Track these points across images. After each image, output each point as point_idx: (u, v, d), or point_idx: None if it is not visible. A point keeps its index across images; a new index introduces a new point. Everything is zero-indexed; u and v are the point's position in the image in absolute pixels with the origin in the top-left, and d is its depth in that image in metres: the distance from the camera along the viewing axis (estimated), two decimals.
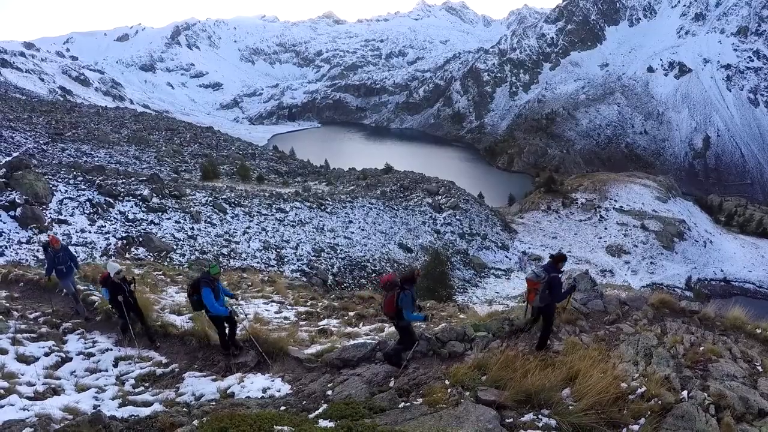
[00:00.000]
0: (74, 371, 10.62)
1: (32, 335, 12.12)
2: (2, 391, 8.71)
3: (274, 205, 49.65)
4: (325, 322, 16.52)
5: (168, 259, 31.76)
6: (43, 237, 28.31)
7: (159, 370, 11.00)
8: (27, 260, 25.18)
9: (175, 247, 34.19)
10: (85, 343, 12.35)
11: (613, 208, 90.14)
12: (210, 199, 44.60)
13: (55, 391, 9.34)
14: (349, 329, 15.41)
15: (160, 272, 23.23)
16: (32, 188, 31.16)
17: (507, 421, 6.80)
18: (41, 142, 61.59)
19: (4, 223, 27.84)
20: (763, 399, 7.98)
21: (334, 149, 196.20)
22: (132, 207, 36.62)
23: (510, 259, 65.80)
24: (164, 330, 12.89)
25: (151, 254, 31.35)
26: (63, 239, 28.86)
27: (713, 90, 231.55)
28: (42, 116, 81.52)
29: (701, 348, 10.01)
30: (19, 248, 26.41)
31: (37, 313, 14.03)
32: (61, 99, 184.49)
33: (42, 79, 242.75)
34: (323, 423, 6.70)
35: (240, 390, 9.66)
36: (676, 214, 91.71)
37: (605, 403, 7.29)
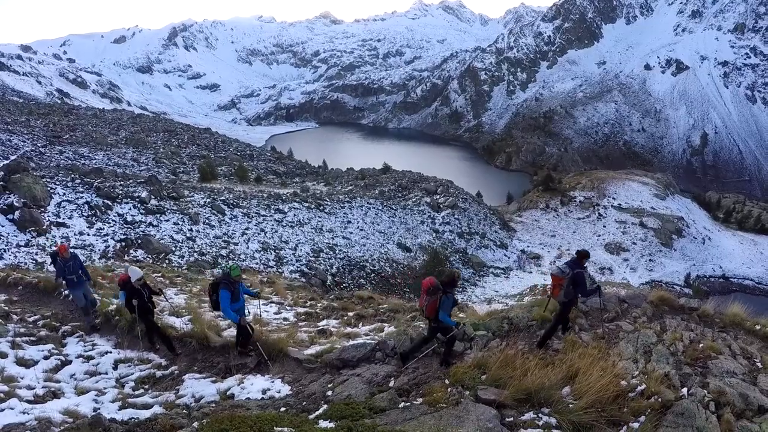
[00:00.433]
0: (74, 374, 10.62)
1: (31, 338, 12.12)
2: (2, 394, 8.71)
3: (272, 206, 49.64)
4: (324, 322, 16.51)
5: (167, 261, 31.75)
6: (47, 241, 28.34)
7: (159, 372, 11.00)
8: (26, 263, 25.15)
9: (173, 248, 34.17)
10: (85, 345, 12.34)
11: (612, 205, 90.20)
12: (208, 200, 44.57)
13: (55, 395, 9.34)
14: (348, 329, 15.40)
15: (159, 274, 23.21)
16: (30, 191, 31.12)
17: (507, 420, 6.81)
18: (39, 144, 61.54)
19: (3, 226, 27.80)
20: (762, 395, 7.98)
21: (332, 149, 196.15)
22: (130, 209, 36.59)
23: (509, 258, 65.83)
24: (163, 332, 12.88)
25: (149, 256, 31.34)
26: (61, 242, 28.86)
27: (710, 87, 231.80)
28: (39, 119, 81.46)
29: (701, 345, 10.01)
30: (17, 251, 26.38)
31: (36, 317, 14.01)
32: (59, 101, 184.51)
33: (39, 82, 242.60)
34: (323, 424, 6.70)
35: (240, 391, 9.66)
36: (675, 212, 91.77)
37: (605, 401, 7.29)
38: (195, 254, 34.60)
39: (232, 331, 13.26)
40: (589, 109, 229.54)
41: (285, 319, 16.72)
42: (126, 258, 29.53)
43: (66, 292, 14.91)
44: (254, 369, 10.99)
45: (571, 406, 7.09)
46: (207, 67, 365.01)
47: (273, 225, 45.58)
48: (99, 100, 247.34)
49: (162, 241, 34.11)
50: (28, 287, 16.70)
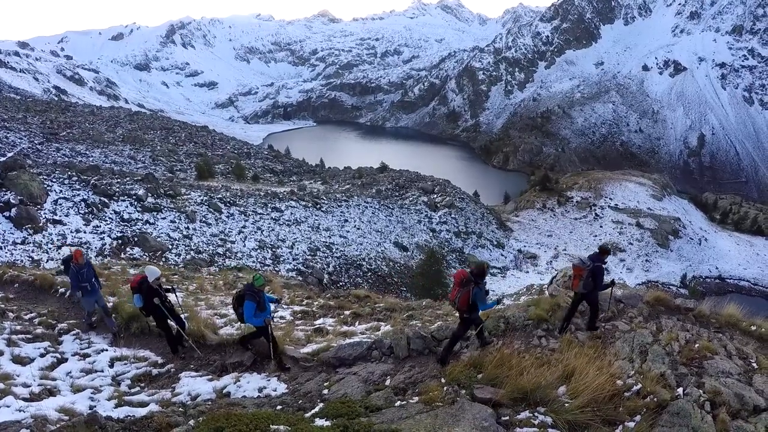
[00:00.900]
0: (70, 372, 10.59)
1: (27, 336, 12.08)
2: None
3: (269, 205, 49.62)
4: (320, 321, 16.51)
5: (163, 259, 31.73)
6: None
7: (155, 371, 10.98)
8: (22, 261, 25.12)
9: (170, 246, 34.14)
10: (81, 343, 12.31)
11: (609, 206, 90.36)
12: (205, 198, 44.54)
13: (51, 392, 9.32)
14: (344, 328, 15.40)
15: None
16: (27, 188, 31.07)
17: (503, 418, 6.81)
18: (36, 142, 61.45)
19: None
20: (758, 395, 8.01)
21: (329, 148, 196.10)
22: (127, 207, 36.55)
23: (505, 258, 65.92)
24: (159, 330, 12.86)
25: (146, 254, 31.31)
26: (57, 239, 28.81)
27: (708, 88, 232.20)
28: (36, 116, 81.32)
29: (696, 345, 10.03)
30: (14, 249, 26.34)
31: (32, 314, 13.97)
32: (56, 99, 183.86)
33: (36, 79, 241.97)
34: (319, 422, 6.70)
35: (236, 389, 9.65)
36: (671, 212, 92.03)
37: (601, 400, 7.30)
38: (192, 252, 34.57)
39: (229, 330, 13.26)
40: (587, 110, 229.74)
41: (281, 317, 16.71)
42: (122, 256, 29.50)
43: (76, 297, 13.90)
44: (250, 367, 10.99)
45: (566, 405, 7.10)
46: (205, 64, 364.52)
47: (270, 223, 45.55)
48: (96, 98, 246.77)
49: (159, 239, 34.09)
50: (24, 285, 16.66)
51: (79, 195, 34.76)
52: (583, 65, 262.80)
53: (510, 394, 7.26)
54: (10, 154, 47.70)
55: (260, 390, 9.57)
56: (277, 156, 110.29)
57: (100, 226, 32.50)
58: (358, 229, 53.98)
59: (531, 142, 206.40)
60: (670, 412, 7.35)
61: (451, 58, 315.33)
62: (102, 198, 35.54)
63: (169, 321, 11.71)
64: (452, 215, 68.06)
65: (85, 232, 31.00)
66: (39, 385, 9.48)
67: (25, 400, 8.54)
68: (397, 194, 72.19)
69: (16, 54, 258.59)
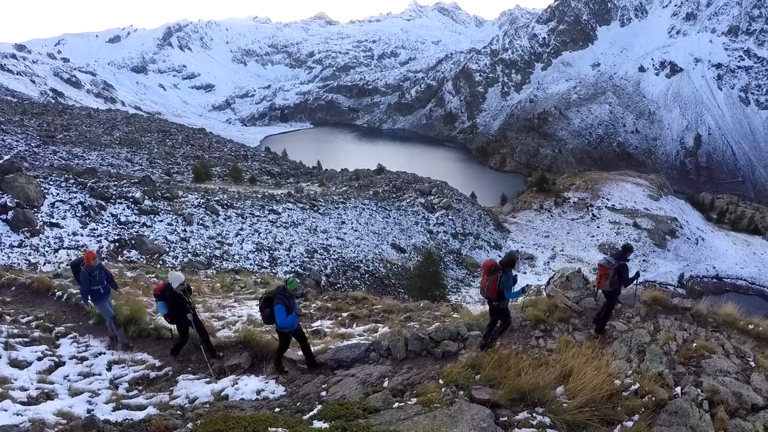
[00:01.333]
0: (67, 375, 10.57)
1: (25, 339, 12.06)
2: None
3: (266, 207, 49.60)
4: (318, 323, 16.48)
5: (161, 262, 31.70)
6: (41, 241, 28.18)
7: (152, 373, 10.97)
8: (19, 264, 25.07)
9: (167, 249, 34.11)
10: (78, 347, 12.29)
11: (606, 206, 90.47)
12: (202, 200, 44.51)
13: (49, 396, 9.30)
14: (342, 330, 15.38)
15: (153, 275, 23.14)
16: (24, 191, 31.03)
17: (501, 419, 6.81)
18: (33, 144, 61.36)
19: None
20: (756, 394, 8.03)
21: (326, 150, 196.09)
22: (124, 209, 36.52)
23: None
24: (157, 333, 12.85)
25: (143, 257, 31.29)
26: (54, 243, 28.77)
27: (704, 89, 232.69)
28: (33, 119, 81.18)
29: (694, 344, 10.05)
30: (11, 252, 26.30)
31: (29, 317, 13.95)
32: (53, 101, 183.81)
33: (33, 81, 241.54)
34: (318, 424, 6.69)
35: (234, 392, 9.63)
36: (668, 212, 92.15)
37: (599, 400, 7.30)
38: (189, 255, 34.54)
39: (226, 332, 13.24)
40: (584, 111, 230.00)
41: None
42: (120, 259, 29.46)
43: (89, 305, 13.11)
44: (248, 370, 10.98)
45: (565, 405, 7.10)
46: (202, 67, 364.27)
47: (267, 226, 45.54)
48: (93, 100, 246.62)
49: (156, 242, 34.06)
50: (21, 288, 16.63)
51: (76, 198, 34.72)
52: (579, 67, 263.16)
53: (508, 395, 7.25)
54: (6, 157, 47.63)
55: (258, 392, 9.55)
56: (274, 158, 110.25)
57: (97, 228, 32.46)
58: (356, 231, 53.98)
59: (528, 144, 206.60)
60: (668, 411, 7.36)
61: (447, 60, 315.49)
62: (99, 201, 35.50)
63: (191, 329, 11.46)
64: (449, 217, 68.08)
65: (82, 235, 30.96)
66: (37, 388, 9.46)
67: (22, 403, 8.52)
68: (394, 196, 72.19)
69: (13, 56, 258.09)
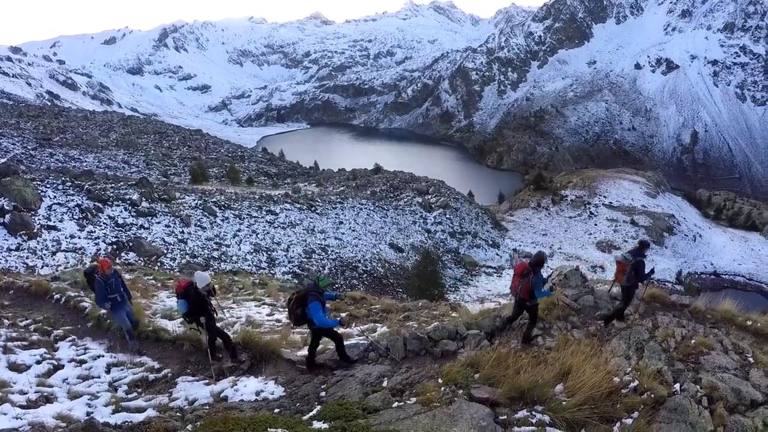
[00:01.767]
0: (66, 378, 10.55)
1: (23, 343, 12.03)
2: None
3: (264, 208, 49.58)
4: None
5: (158, 264, 31.67)
6: (38, 244, 28.12)
7: (152, 376, 10.95)
8: (17, 267, 25.04)
9: (165, 251, 34.09)
10: (77, 349, 12.27)
11: (603, 204, 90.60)
12: (200, 202, 44.47)
13: (48, 399, 9.28)
14: (341, 330, 15.38)
15: (151, 277, 23.13)
16: (21, 194, 30.99)
17: (501, 418, 6.81)
18: (29, 147, 61.26)
19: None
20: (755, 390, 8.04)
21: (323, 150, 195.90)
22: (121, 211, 36.48)
23: (501, 257, 65.97)
24: (156, 335, 12.82)
25: (141, 259, 31.26)
26: (52, 245, 28.73)
27: (700, 86, 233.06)
28: (29, 121, 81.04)
29: (692, 341, 10.07)
30: (8, 255, 26.26)
31: (27, 321, 13.92)
32: (49, 103, 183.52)
33: (29, 84, 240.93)
34: (317, 424, 6.69)
35: (233, 393, 9.62)
36: (666, 209, 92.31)
37: (598, 397, 7.31)
38: (187, 256, 34.53)
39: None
40: (580, 109, 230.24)
41: (278, 320, 16.68)
42: (117, 261, 29.42)
43: (105, 312, 12.79)
44: (247, 371, 10.97)
45: (564, 403, 7.11)
46: (198, 68, 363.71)
47: (265, 226, 45.52)
48: (89, 102, 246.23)
49: (153, 244, 34.03)
50: (19, 291, 16.60)
51: (73, 200, 34.68)
52: (575, 64, 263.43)
53: (507, 394, 7.26)
54: (3, 160, 47.56)
55: (258, 393, 9.55)
56: (271, 159, 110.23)
57: (95, 231, 32.43)
58: (353, 230, 53.97)
59: (525, 142, 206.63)
60: (667, 408, 7.37)
61: (443, 59, 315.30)
62: (96, 203, 35.46)
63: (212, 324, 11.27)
64: (447, 216, 68.10)
65: (79, 238, 30.93)
66: (36, 392, 9.45)
67: (22, 407, 8.50)
68: (391, 195, 72.20)
69: (9, 59, 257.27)
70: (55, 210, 32.77)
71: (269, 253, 40.78)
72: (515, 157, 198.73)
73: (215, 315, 11.43)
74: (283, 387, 9.85)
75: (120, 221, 35.14)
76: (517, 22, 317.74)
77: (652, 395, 7.69)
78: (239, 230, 42.68)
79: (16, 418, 7.81)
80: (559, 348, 9.73)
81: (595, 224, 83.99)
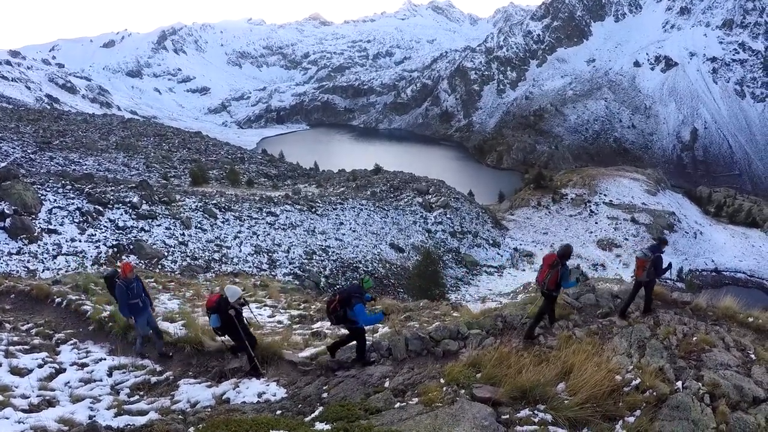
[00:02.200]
0: (68, 382, 10.55)
1: (25, 347, 12.03)
2: None
3: (264, 209, 49.58)
4: (318, 324, 16.48)
5: (159, 266, 31.66)
6: (39, 248, 28.11)
7: (153, 378, 10.95)
8: (18, 271, 25.04)
9: (166, 253, 34.08)
10: (79, 353, 12.27)
11: (603, 202, 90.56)
12: (200, 204, 44.47)
13: (50, 403, 9.28)
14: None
15: (152, 279, 23.13)
16: (21, 198, 30.98)
17: (503, 417, 6.81)
18: (29, 151, 61.32)
19: None
20: (757, 387, 8.04)
21: (323, 151, 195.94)
22: (122, 214, 36.48)
23: (502, 256, 65.97)
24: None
25: (142, 261, 31.25)
26: (53, 249, 28.73)
27: (699, 83, 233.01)
28: (29, 125, 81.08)
29: (694, 338, 10.06)
30: (9, 259, 26.26)
31: (29, 325, 13.92)
32: (48, 107, 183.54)
33: (28, 87, 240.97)
34: (319, 426, 6.69)
35: (235, 395, 9.62)
36: (666, 207, 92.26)
37: (600, 396, 7.31)
38: (188, 259, 34.51)
39: (226, 336, 13.21)
40: (579, 107, 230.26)
41: (279, 322, 16.69)
42: (118, 264, 29.39)
43: (129, 319, 12.16)
44: (249, 372, 10.97)
45: (566, 402, 7.11)
46: (197, 70, 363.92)
47: (265, 228, 45.52)
48: (89, 105, 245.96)
49: (154, 246, 34.02)
50: (20, 295, 16.59)
51: (73, 204, 34.68)
52: (574, 63, 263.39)
53: (509, 393, 7.26)
54: (3, 164, 47.56)
55: (259, 395, 9.55)
56: (271, 160, 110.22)
57: (95, 234, 32.43)
58: (354, 231, 53.97)
59: (524, 141, 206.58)
60: (669, 405, 7.37)
61: (442, 59, 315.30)
62: (96, 206, 35.46)
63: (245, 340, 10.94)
64: (447, 215, 68.09)
65: (80, 241, 30.93)
66: (38, 396, 9.45)
67: (24, 411, 8.51)
68: (392, 196, 72.21)
69: (8, 63, 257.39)
70: (55, 213, 32.78)
71: (270, 254, 40.77)
72: (515, 156, 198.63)
73: (248, 328, 11.22)
74: (285, 388, 9.85)
75: (120, 224, 35.14)
76: (516, 21, 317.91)
77: (654, 393, 7.69)
78: (240, 232, 42.68)
79: (19, 423, 7.81)
80: (561, 347, 9.74)
81: (596, 222, 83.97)
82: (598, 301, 12.91)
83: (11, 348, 11.67)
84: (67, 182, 38.94)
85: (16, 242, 27.92)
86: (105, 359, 11.84)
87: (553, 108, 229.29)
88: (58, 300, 15.71)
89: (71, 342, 12.90)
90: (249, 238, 42.24)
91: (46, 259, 27.68)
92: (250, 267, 37.28)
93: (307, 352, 11.71)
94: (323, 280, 40.60)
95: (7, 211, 29.21)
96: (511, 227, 79.86)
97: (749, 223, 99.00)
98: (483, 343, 11.05)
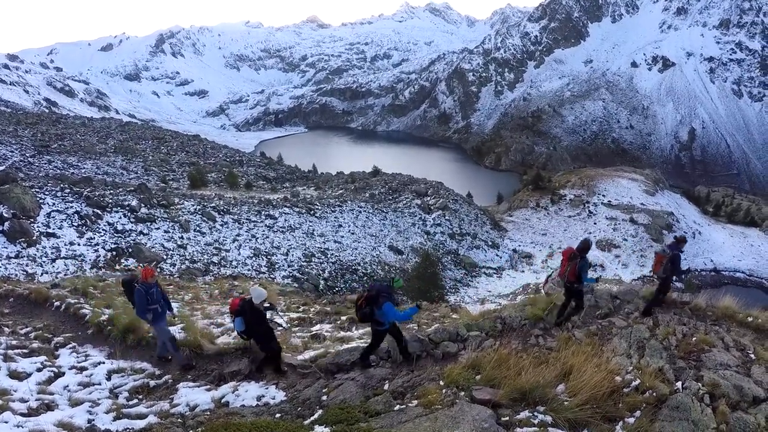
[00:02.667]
0: (67, 386, 10.53)
1: (24, 351, 12.01)
2: None
3: (263, 212, 49.53)
4: (317, 327, 16.48)
5: (158, 269, 31.60)
6: (37, 252, 28.07)
7: (152, 382, 10.93)
8: (16, 275, 24.99)
9: (165, 257, 34.04)
10: (77, 357, 12.24)
11: (602, 203, 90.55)
12: (199, 207, 44.43)
13: (49, 407, 9.26)
14: (342, 333, 15.38)
15: None
16: (19, 202, 30.94)
17: (503, 419, 6.80)
18: (27, 154, 61.22)
19: None
20: (756, 386, 8.03)
21: (321, 154, 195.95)
22: (120, 218, 36.43)
23: (500, 258, 65.96)
24: (156, 341, 12.79)
25: (140, 265, 31.16)
26: (52, 252, 28.69)
27: (697, 83, 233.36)
28: (27, 129, 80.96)
29: (693, 338, 10.06)
30: (8, 263, 26.21)
31: (28, 329, 13.90)
32: (47, 111, 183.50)
33: (27, 91, 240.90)
34: (319, 429, 6.69)
35: (234, 399, 9.61)
36: (665, 207, 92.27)
37: (600, 397, 7.31)
38: (186, 262, 34.47)
39: (225, 339, 13.21)
40: (577, 108, 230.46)
41: (278, 325, 16.67)
42: (117, 267, 29.38)
43: (150, 323, 11.86)
44: (248, 376, 10.95)
45: (566, 403, 7.10)
46: (195, 73, 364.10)
47: (264, 231, 45.48)
48: (87, 109, 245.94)
49: (153, 250, 33.98)
50: (19, 299, 16.57)
51: (72, 207, 34.64)
52: (572, 64, 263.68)
53: (509, 395, 7.26)
54: (1, 168, 47.52)
55: (259, 398, 9.54)
56: (270, 163, 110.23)
57: (94, 237, 32.38)
58: (353, 233, 53.94)
59: (522, 142, 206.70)
60: (669, 406, 7.36)
61: (440, 61, 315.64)
62: (95, 210, 35.41)
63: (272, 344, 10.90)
64: (446, 217, 68.08)
65: (79, 245, 30.89)
66: (37, 399, 9.43)
67: (23, 415, 8.49)
68: (390, 198, 72.21)
69: (6, 67, 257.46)
70: (54, 217, 32.74)
71: (269, 257, 40.73)
72: (513, 157, 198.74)
73: (274, 330, 11.10)
74: (284, 392, 9.84)
75: (119, 227, 35.09)
76: (513, 22, 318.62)
77: (654, 394, 7.69)
78: (239, 235, 42.64)
79: (18, 426, 7.79)
80: (560, 348, 9.73)
81: (594, 223, 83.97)
82: (597, 302, 12.91)
83: (10, 352, 11.65)
84: (66, 186, 38.89)
85: (15, 246, 27.88)
86: (104, 363, 11.81)
87: (551, 109, 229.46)
88: (56, 304, 15.69)
89: (70, 346, 12.88)
90: (248, 241, 42.20)
91: (44, 262, 27.64)
92: (249, 270, 37.24)
93: (306, 355, 11.71)
94: (322, 282, 40.57)
95: (5, 215, 29.16)
96: (509, 228, 79.87)
97: (748, 223, 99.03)
98: (482, 344, 11.04)
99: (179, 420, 8.42)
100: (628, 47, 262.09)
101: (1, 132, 71.49)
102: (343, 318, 17.98)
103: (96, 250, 31.02)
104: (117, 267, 29.55)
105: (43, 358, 11.73)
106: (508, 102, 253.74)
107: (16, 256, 27.12)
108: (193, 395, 9.92)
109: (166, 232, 37.63)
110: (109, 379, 11.07)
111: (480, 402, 7.10)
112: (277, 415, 8.15)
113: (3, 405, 8.76)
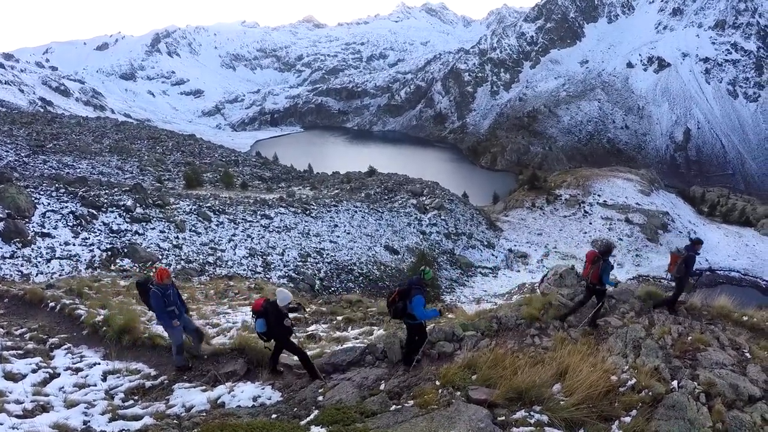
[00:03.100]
0: (62, 387, 10.49)
1: (19, 352, 11.96)
2: None
3: (258, 212, 49.49)
4: (313, 327, 16.49)
5: (154, 270, 31.53)
6: (32, 252, 27.99)
7: (148, 383, 10.90)
8: (11, 275, 24.90)
9: (160, 257, 33.97)
10: (73, 358, 12.20)
11: (597, 203, 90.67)
12: (194, 207, 44.35)
13: (44, 408, 9.22)
14: (337, 334, 15.38)
15: None
16: (14, 202, 30.83)
17: (499, 419, 6.80)
18: (22, 154, 61.04)
19: None
20: (752, 385, 8.06)
21: (317, 153, 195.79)
22: (116, 218, 36.34)
23: (496, 257, 66.03)
24: (152, 341, 12.77)
25: (136, 265, 31.11)
26: (47, 253, 28.59)
27: (692, 83, 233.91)
28: (22, 128, 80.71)
29: (689, 338, 10.09)
30: (2, 263, 26.11)
31: (23, 329, 13.84)
32: (42, 110, 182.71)
33: (22, 91, 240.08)
34: (315, 429, 6.67)
35: (230, 399, 9.59)
36: (660, 207, 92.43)
37: (596, 396, 7.32)
38: (182, 262, 34.41)
39: (221, 339, 13.20)
40: (573, 108, 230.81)
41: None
42: (112, 267, 29.31)
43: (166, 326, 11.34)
44: (244, 376, 10.93)
45: (562, 403, 7.10)
46: (191, 73, 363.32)
47: (260, 231, 45.44)
48: (82, 108, 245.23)
49: (148, 250, 33.91)
50: (14, 300, 16.48)
51: (67, 207, 34.53)
52: (568, 64, 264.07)
53: (505, 394, 7.26)
54: None
55: (255, 399, 9.53)
56: (265, 163, 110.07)
57: (89, 238, 32.29)
58: (348, 233, 53.93)
59: (518, 142, 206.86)
60: (665, 405, 7.38)
61: (436, 61, 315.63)
62: (90, 210, 35.31)
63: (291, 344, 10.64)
64: (442, 217, 68.11)
65: (74, 245, 30.79)
66: (32, 401, 9.38)
67: (18, 417, 8.45)
68: (386, 198, 72.21)
69: (1, 66, 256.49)
70: (49, 217, 32.63)
71: (264, 257, 40.70)
72: (509, 157, 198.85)
73: (294, 332, 10.94)
74: (280, 392, 9.83)
75: (114, 227, 35.00)
76: (509, 23, 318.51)
77: (650, 393, 7.70)
78: (234, 235, 42.58)
79: (13, 428, 7.76)
80: (556, 347, 9.74)
81: (590, 223, 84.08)
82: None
83: (5, 353, 11.59)
84: (61, 185, 38.77)
85: (10, 246, 27.77)
86: (99, 364, 11.78)
87: (547, 109, 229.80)
88: (51, 304, 15.62)
89: (65, 346, 12.83)
90: (243, 240, 42.16)
91: (39, 263, 27.55)
92: (244, 270, 37.20)
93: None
94: (318, 282, 40.55)
95: (0, 215, 29.07)
96: (505, 228, 79.93)
97: (743, 222, 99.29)
98: (478, 344, 11.06)
99: (175, 421, 8.40)
100: (624, 48, 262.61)
101: None
102: (339, 318, 18.00)
103: (91, 251, 30.92)
104: (112, 267, 29.48)
105: (38, 359, 11.68)
106: (504, 102, 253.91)
107: (11, 257, 27.02)
108: (188, 396, 9.90)
109: (161, 232, 37.56)
110: (104, 380, 11.03)
111: (476, 402, 7.10)
112: (273, 416, 8.14)
113: None
